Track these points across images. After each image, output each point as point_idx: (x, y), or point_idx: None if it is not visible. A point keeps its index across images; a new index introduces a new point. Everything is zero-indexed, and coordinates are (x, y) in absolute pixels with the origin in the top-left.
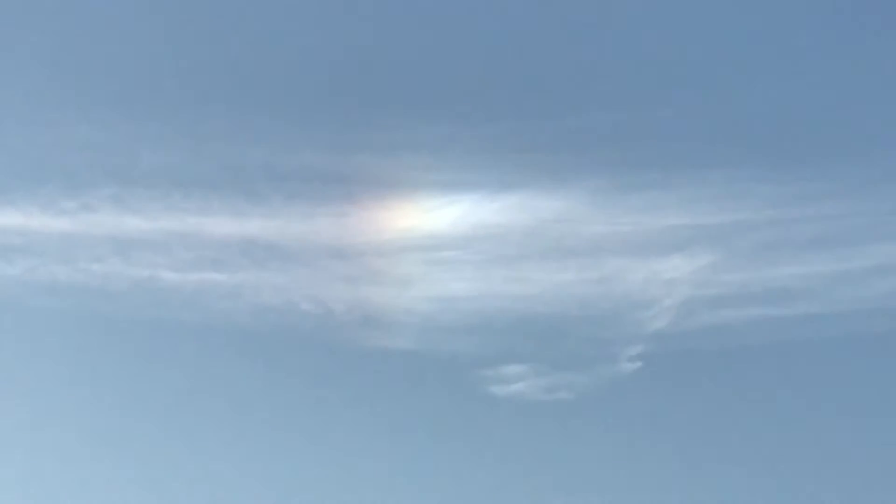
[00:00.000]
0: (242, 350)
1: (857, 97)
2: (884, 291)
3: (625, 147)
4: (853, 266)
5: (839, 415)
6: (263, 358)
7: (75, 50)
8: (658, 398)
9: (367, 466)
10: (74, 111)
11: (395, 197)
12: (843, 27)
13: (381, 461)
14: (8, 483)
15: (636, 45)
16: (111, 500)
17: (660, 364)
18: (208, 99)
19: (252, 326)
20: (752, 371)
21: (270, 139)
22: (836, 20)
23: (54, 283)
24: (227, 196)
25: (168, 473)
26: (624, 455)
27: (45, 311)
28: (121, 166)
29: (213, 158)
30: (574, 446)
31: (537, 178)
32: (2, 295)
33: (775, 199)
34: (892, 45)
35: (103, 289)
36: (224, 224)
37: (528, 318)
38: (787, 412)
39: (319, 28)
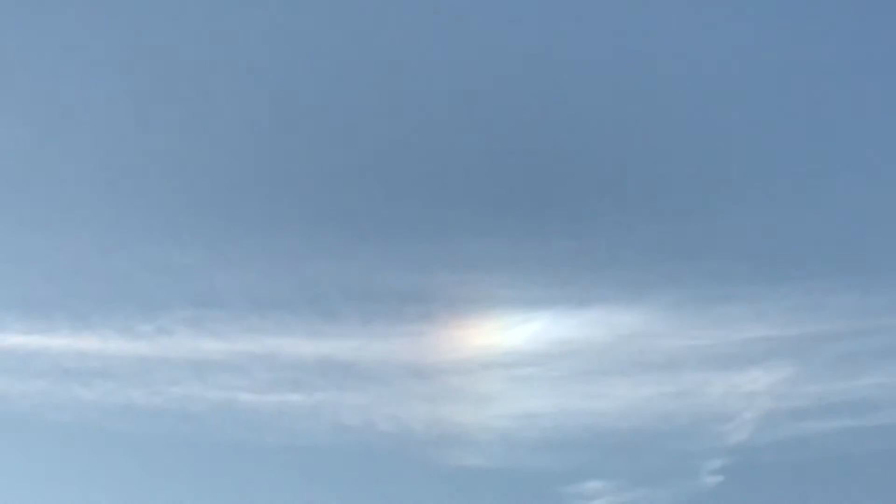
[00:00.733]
0: (322, 470)
1: None
2: None
3: (701, 260)
4: None
5: None
6: (343, 478)
7: (150, 174)
8: None
9: None
10: (150, 234)
11: (473, 314)
12: None
13: None
14: None
15: (712, 158)
16: None
17: (742, 477)
18: (282, 219)
19: (331, 446)
20: (835, 483)
21: (346, 258)
22: None
23: (132, 406)
24: (304, 316)
25: None
26: None
27: (124, 435)
28: (197, 288)
29: (289, 279)
30: None
31: (614, 293)
32: (80, 419)
33: (853, 310)
34: None
35: (181, 411)
36: (301, 344)
37: (608, 434)
38: None
39: (393, 147)
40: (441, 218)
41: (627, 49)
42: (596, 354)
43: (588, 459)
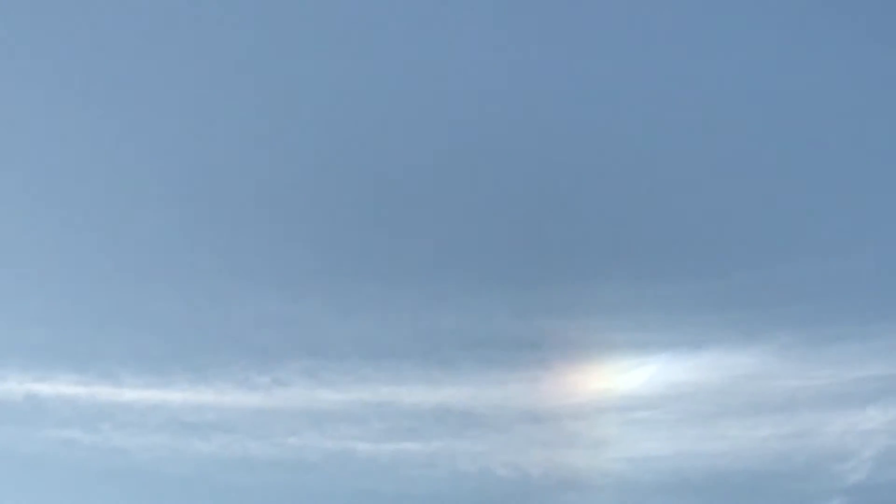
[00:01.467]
0: None
1: None
2: None
3: (815, 300)
4: None
5: None
6: None
7: (264, 223)
8: None
9: None
10: (265, 285)
11: (587, 359)
12: None
13: None
14: None
15: (821, 197)
16: None
17: None
18: (397, 268)
19: (449, 494)
20: None
21: (460, 306)
22: None
23: (249, 458)
24: (419, 364)
25: None
26: None
27: (242, 488)
28: (312, 339)
29: (404, 327)
30: None
31: (729, 335)
32: (198, 471)
33: None
34: None
35: (299, 462)
36: (417, 393)
37: (725, 476)
38: None
39: (505, 192)
40: (554, 263)
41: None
42: (711, 396)
43: (705, 502)
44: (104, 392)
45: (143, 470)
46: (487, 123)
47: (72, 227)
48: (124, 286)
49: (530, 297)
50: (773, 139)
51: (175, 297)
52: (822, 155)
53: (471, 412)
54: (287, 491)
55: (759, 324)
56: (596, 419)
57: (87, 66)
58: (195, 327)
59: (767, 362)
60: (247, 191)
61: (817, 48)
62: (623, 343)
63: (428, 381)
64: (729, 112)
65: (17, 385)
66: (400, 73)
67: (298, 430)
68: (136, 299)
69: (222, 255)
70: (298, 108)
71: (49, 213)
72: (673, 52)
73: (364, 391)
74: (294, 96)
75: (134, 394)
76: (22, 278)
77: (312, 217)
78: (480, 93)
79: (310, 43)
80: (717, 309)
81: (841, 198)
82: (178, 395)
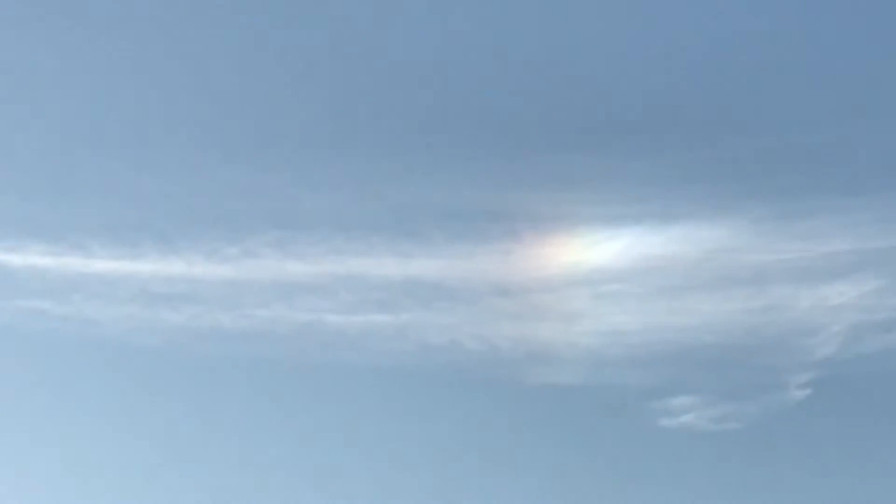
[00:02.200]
0: (409, 390)
1: None
2: None
3: (786, 174)
4: None
5: None
6: (430, 397)
7: (235, 97)
8: (829, 425)
9: (537, 499)
10: (235, 157)
11: (558, 232)
12: None
13: (551, 494)
14: None
15: (794, 72)
16: None
17: (830, 390)
18: (367, 141)
19: (418, 366)
20: None
21: (430, 179)
22: None
23: (219, 329)
24: (390, 237)
25: None
26: (798, 481)
27: (211, 357)
28: (281, 211)
29: (374, 199)
30: (745, 475)
31: (700, 209)
32: (168, 342)
33: None
34: None
35: (268, 333)
36: (387, 265)
37: (695, 349)
38: None
39: (477, 66)
40: (524, 137)
41: None
42: (682, 270)
43: (675, 375)
44: (75, 263)
45: (113, 340)
46: None
47: (41, 99)
48: (94, 157)
49: (501, 169)
50: (751, 14)
51: (144, 167)
52: (795, 32)
53: (440, 284)
54: (256, 362)
55: (730, 197)
56: (565, 292)
57: None
58: (165, 198)
59: (738, 236)
60: (219, 62)
61: None
62: (593, 216)
63: (398, 253)
64: None
65: None
66: None
67: (268, 301)
68: (106, 170)
69: (192, 126)
70: None
71: (17, 84)
72: None
73: (334, 263)
74: None
75: (104, 265)
76: None
77: (283, 89)
78: None
79: None
80: (689, 182)
81: (814, 75)
82: (148, 267)
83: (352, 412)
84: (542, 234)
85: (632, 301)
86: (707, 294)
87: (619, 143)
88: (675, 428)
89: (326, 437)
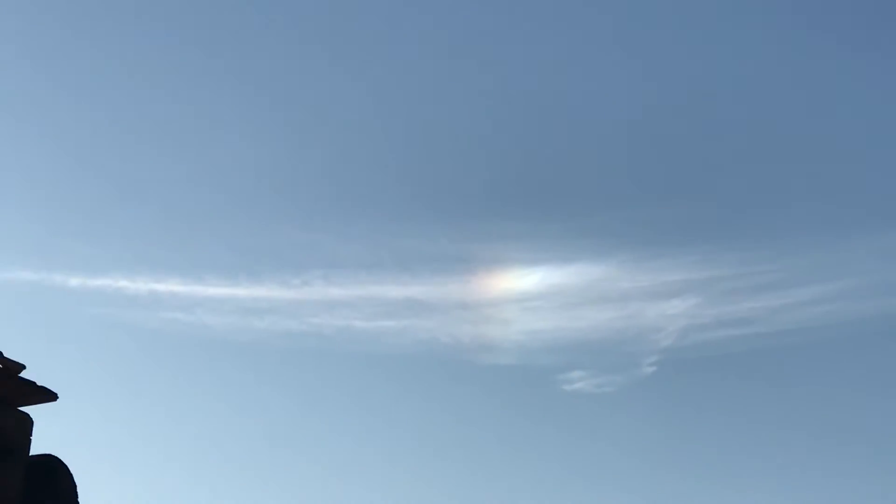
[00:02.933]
0: (407, 370)
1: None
2: (811, 315)
3: (641, 233)
4: (788, 301)
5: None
6: (419, 373)
7: (295, 179)
8: (669, 390)
9: (483, 439)
10: (295, 221)
11: (498, 269)
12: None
13: (492, 434)
14: None
15: (652, 163)
16: None
17: (668, 368)
18: (380, 211)
19: (411, 355)
20: (725, 372)
21: (420, 235)
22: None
23: (288, 331)
24: (394, 272)
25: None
26: (647, 430)
27: (283, 350)
28: (326, 255)
29: (384, 248)
30: (616, 422)
31: (587, 255)
32: (256, 340)
33: (736, 263)
34: None
35: (318, 334)
36: (392, 290)
37: (585, 342)
38: (760, 404)
39: (455, 163)
40: (480, 209)
41: None
42: (576, 293)
43: (572, 358)
44: (197, 289)
45: (221, 339)
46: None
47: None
48: (211, 220)
49: (465, 229)
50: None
51: (239, 225)
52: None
53: (425, 302)
54: (311, 352)
55: (606, 247)
56: (503, 307)
57: None
58: (253, 247)
59: (611, 271)
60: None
61: None
62: (520, 259)
63: (399, 282)
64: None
65: (143, 285)
66: None
67: (318, 313)
68: (218, 229)
69: (266, 198)
70: None
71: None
72: None
73: (359, 289)
74: None
75: (215, 290)
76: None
77: (320, 173)
78: None
79: None
80: (580, 237)
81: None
82: (242, 291)
83: (369, 383)
84: (489, 271)
85: (545, 312)
86: (591, 308)
87: (533, 212)
88: (573, 391)
89: (351, 397)
